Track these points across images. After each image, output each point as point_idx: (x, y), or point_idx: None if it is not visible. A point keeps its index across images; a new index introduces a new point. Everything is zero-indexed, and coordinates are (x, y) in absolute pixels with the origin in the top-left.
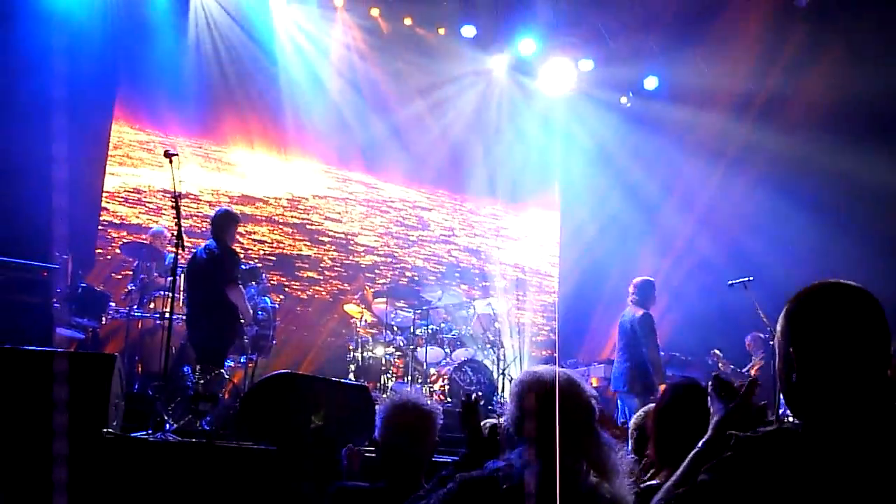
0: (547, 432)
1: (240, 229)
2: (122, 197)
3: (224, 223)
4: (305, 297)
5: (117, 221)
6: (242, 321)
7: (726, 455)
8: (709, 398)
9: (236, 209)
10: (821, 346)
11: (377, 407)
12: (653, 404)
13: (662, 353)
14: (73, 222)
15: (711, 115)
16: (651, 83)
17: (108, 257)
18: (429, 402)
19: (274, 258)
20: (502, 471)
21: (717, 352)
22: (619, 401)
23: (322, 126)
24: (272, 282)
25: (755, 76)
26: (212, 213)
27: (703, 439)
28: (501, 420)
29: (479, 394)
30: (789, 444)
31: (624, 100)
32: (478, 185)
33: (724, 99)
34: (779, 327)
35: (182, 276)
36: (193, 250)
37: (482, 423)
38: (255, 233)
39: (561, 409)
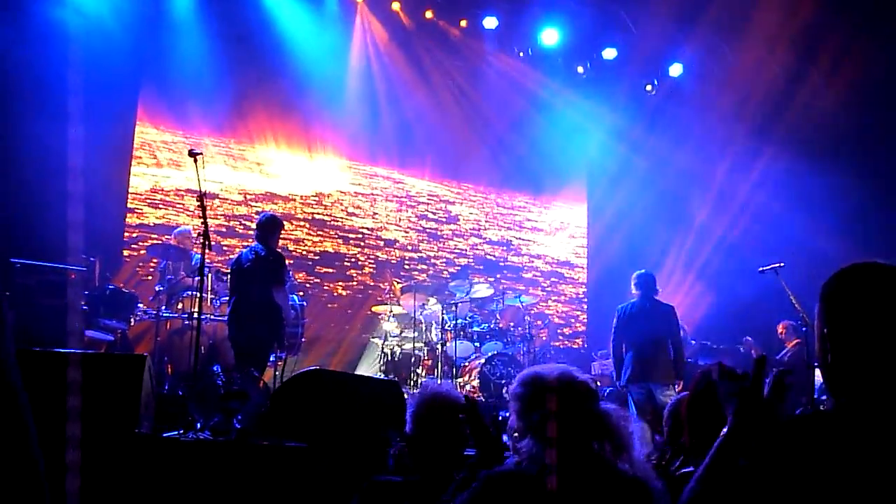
0: (553, 423)
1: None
2: (147, 198)
3: (270, 227)
4: (333, 293)
5: (143, 222)
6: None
7: (765, 440)
8: (718, 389)
9: (267, 209)
10: (854, 326)
11: (407, 401)
12: (683, 393)
13: (693, 342)
14: (99, 224)
15: (738, 100)
16: (676, 70)
17: (136, 258)
18: (456, 393)
19: (301, 255)
20: (523, 464)
21: (749, 339)
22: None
23: (347, 122)
24: (299, 279)
25: (782, 58)
26: (237, 211)
27: (726, 429)
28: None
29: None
30: (825, 425)
31: (649, 87)
32: (504, 177)
33: (750, 82)
34: (816, 309)
35: (227, 277)
36: (239, 253)
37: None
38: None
39: (563, 399)
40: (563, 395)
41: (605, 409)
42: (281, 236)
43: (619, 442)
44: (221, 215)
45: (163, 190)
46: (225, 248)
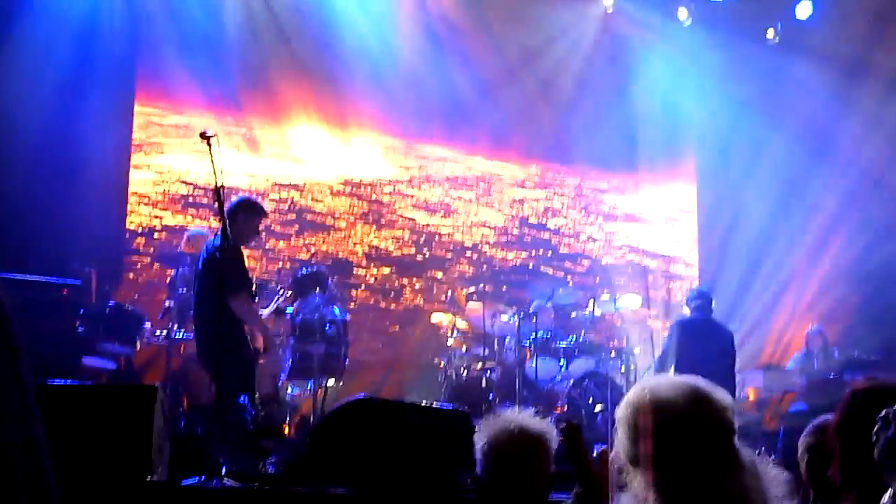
0: (669, 457)
1: (295, 225)
2: (150, 195)
3: (237, 212)
4: (381, 305)
5: (148, 225)
6: (257, 347)
7: None
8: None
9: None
10: None
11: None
12: (825, 417)
13: (837, 353)
14: (95, 229)
15: (885, 48)
16: (804, 10)
17: (140, 269)
18: (538, 422)
19: (338, 258)
20: None
21: None
22: None
23: (390, 94)
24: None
25: None
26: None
27: None
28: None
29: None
30: None
31: (771, 34)
32: (587, 154)
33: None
34: None
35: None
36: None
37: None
38: (312, 228)
39: (687, 430)
40: (692, 422)
41: (739, 452)
42: (309, 233)
43: (759, 486)
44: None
45: (169, 184)
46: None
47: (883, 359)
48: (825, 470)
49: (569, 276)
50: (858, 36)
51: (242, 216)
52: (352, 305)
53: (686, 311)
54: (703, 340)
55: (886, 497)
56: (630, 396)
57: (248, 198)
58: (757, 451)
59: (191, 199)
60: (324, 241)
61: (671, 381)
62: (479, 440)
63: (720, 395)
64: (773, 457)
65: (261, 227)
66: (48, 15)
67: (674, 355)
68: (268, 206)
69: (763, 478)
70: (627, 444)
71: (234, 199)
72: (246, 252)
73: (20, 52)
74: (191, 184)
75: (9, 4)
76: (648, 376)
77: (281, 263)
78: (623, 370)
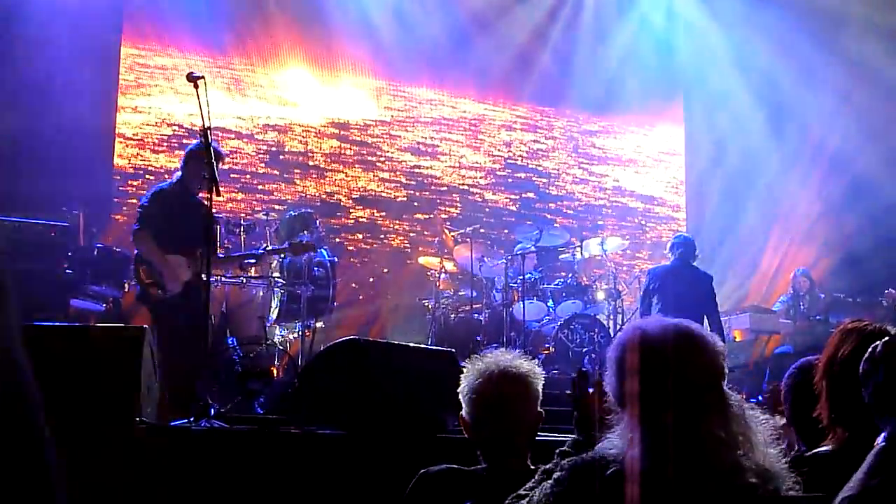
0: (655, 398)
1: (280, 167)
2: (138, 137)
3: (188, 160)
4: (369, 246)
5: (137, 166)
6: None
7: None
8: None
9: (284, 143)
10: None
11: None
12: (808, 357)
13: (823, 295)
14: (82, 171)
15: None
16: None
17: (128, 211)
18: (523, 363)
19: (326, 200)
20: (610, 451)
21: (892, 291)
22: None
23: (377, 36)
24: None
25: None
26: (246, 148)
27: None
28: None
29: (592, 367)
30: None
31: None
32: (577, 95)
33: None
34: None
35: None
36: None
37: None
38: (300, 170)
39: (674, 370)
40: (680, 362)
41: (728, 394)
42: (297, 174)
43: (739, 438)
44: (229, 153)
45: (157, 125)
46: (236, 196)
47: (866, 300)
48: (808, 409)
49: (556, 219)
50: None
51: (192, 163)
52: (339, 248)
53: (669, 257)
54: (675, 285)
55: (880, 439)
56: (620, 336)
57: (192, 146)
58: (742, 392)
59: (178, 141)
60: (311, 184)
61: (662, 322)
62: (465, 380)
63: (711, 338)
64: (758, 397)
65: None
66: None
67: (645, 301)
68: (255, 148)
69: (751, 423)
70: (616, 384)
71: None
72: (232, 195)
73: None
74: (178, 125)
75: None
76: (635, 318)
77: (268, 206)
78: (610, 312)
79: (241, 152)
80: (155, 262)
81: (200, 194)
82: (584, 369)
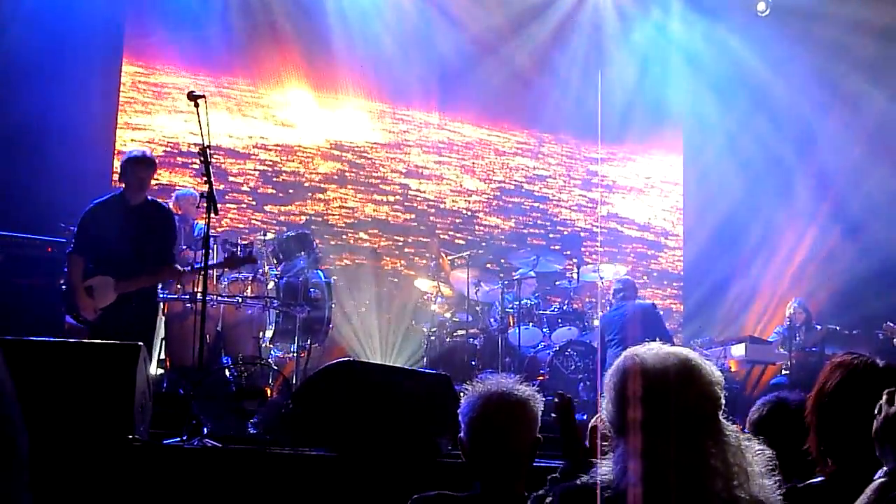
0: (654, 426)
1: (276, 188)
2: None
3: (121, 165)
4: (366, 269)
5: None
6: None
7: None
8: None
9: (282, 164)
10: None
11: (461, 401)
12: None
13: (819, 327)
14: (81, 187)
15: (880, 17)
16: None
17: None
18: (524, 388)
19: (323, 221)
20: (604, 477)
21: (891, 324)
22: None
23: (378, 57)
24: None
25: None
26: (244, 168)
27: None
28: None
29: (586, 394)
30: None
31: (762, 7)
32: (577, 123)
33: None
34: None
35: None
36: None
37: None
38: (298, 190)
39: (674, 398)
40: (680, 391)
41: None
42: (295, 196)
43: (735, 468)
44: (228, 173)
45: (155, 143)
46: (231, 214)
47: (863, 332)
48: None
49: (553, 245)
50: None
51: (128, 169)
52: (336, 269)
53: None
54: (631, 327)
55: (880, 473)
56: (619, 363)
57: (127, 154)
58: (736, 423)
59: (177, 159)
60: (309, 205)
61: (661, 350)
62: (465, 403)
63: (709, 367)
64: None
65: (140, 179)
66: None
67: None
68: (253, 167)
69: (746, 453)
70: (613, 411)
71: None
72: (230, 214)
73: (6, 11)
74: (177, 144)
75: None
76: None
77: (265, 226)
78: None
79: (239, 172)
80: (71, 287)
81: (146, 198)
82: (564, 394)
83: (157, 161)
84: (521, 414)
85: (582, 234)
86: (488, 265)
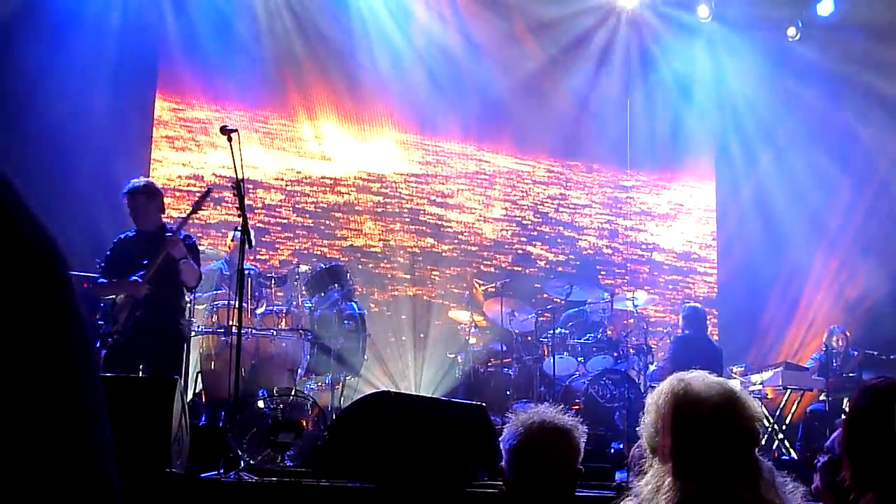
0: (692, 453)
1: (311, 220)
2: (171, 189)
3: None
4: (399, 300)
5: (170, 217)
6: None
7: None
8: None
9: (315, 195)
10: None
11: (503, 431)
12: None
13: (856, 353)
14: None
15: None
16: (825, 8)
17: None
18: (567, 418)
19: (356, 252)
20: (638, 495)
21: None
22: None
23: (411, 90)
24: (358, 284)
25: None
26: (275, 201)
27: None
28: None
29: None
30: None
31: (792, 31)
32: (609, 153)
33: None
34: None
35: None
36: None
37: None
38: (331, 222)
39: (715, 428)
40: (721, 422)
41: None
42: (328, 227)
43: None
44: (260, 206)
45: (190, 177)
46: (264, 246)
47: None
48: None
49: (587, 273)
50: (885, 26)
51: (129, 202)
52: (370, 300)
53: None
54: (697, 358)
55: None
56: (665, 385)
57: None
58: (774, 449)
59: (212, 194)
60: (342, 236)
61: (707, 378)
62: (507, 432)
63: (753, 403)
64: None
65: (131, 209)
66: (70, 10)
67: (672, 370)
68: (285, 199)
69: (780, 489)
70: (653, 431)
71: None
72: (263, 247)
73: (42, 47)
74: (210, 177)
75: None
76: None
77: (300, 258)
78: (640, 368)
79: (272, 205)
80: (108, 290)
81: (161, 224)
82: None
83: (142, 188)
84: (563, 443)
85: (615, 260)
86: (520, 295)
